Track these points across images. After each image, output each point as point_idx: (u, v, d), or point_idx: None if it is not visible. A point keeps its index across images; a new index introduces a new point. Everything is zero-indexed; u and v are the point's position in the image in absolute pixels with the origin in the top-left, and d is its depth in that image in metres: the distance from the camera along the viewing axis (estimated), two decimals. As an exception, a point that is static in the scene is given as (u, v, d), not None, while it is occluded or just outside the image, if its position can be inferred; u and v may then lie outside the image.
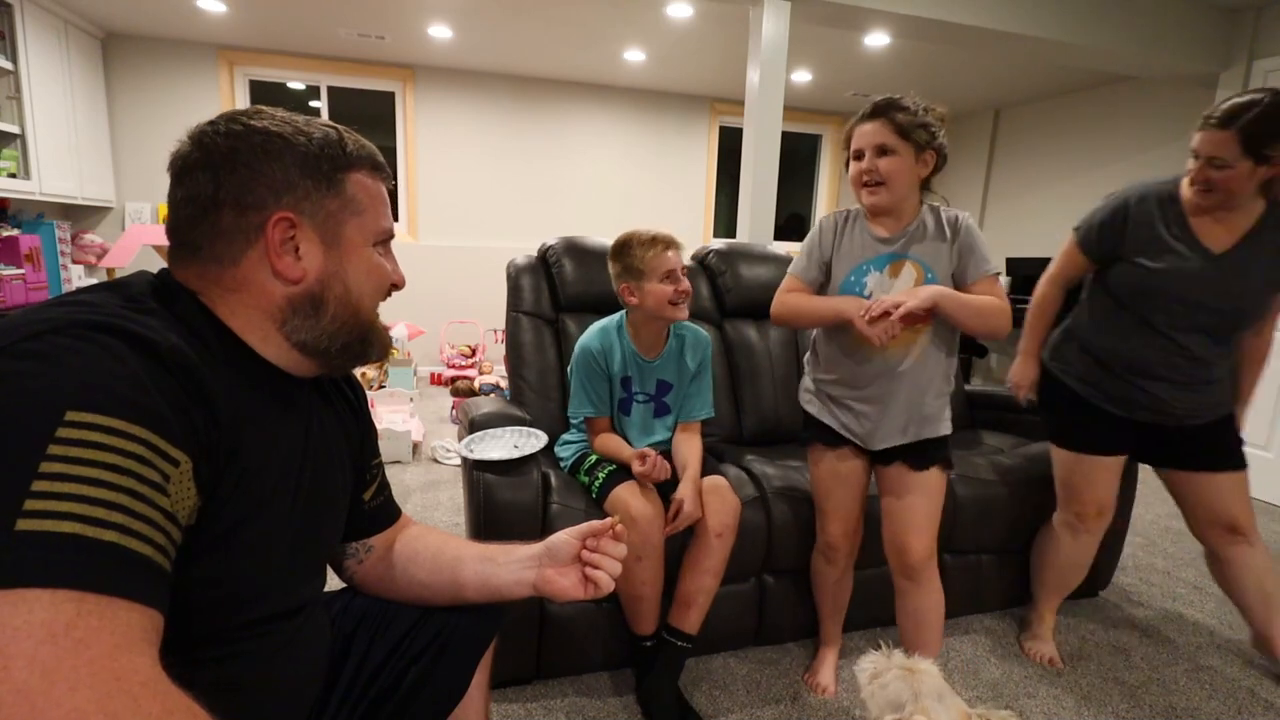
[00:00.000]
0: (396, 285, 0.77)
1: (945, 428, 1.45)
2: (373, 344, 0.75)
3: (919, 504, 1.44)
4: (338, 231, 0.69)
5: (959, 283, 1.39)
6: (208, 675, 0.62)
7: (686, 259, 2.21)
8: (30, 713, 0.40)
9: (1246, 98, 1.47)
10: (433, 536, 0.94)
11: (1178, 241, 1.53)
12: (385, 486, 0.93)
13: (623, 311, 1.69)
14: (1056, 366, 1.74)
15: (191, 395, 0.56)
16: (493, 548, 0.91)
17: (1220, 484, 1.70)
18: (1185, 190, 1.58)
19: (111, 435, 0.48)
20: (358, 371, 4.12)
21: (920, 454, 1.43)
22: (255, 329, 0.67)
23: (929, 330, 1.40)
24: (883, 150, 1.35)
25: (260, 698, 0.68)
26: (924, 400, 1.43)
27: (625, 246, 1.61)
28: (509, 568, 0.88)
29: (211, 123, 0.66)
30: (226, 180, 0.64)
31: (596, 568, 0.85)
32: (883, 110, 1.36)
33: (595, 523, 0.87)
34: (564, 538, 0.87)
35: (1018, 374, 1.81)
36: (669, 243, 1.59)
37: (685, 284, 1.59)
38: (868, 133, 1.36)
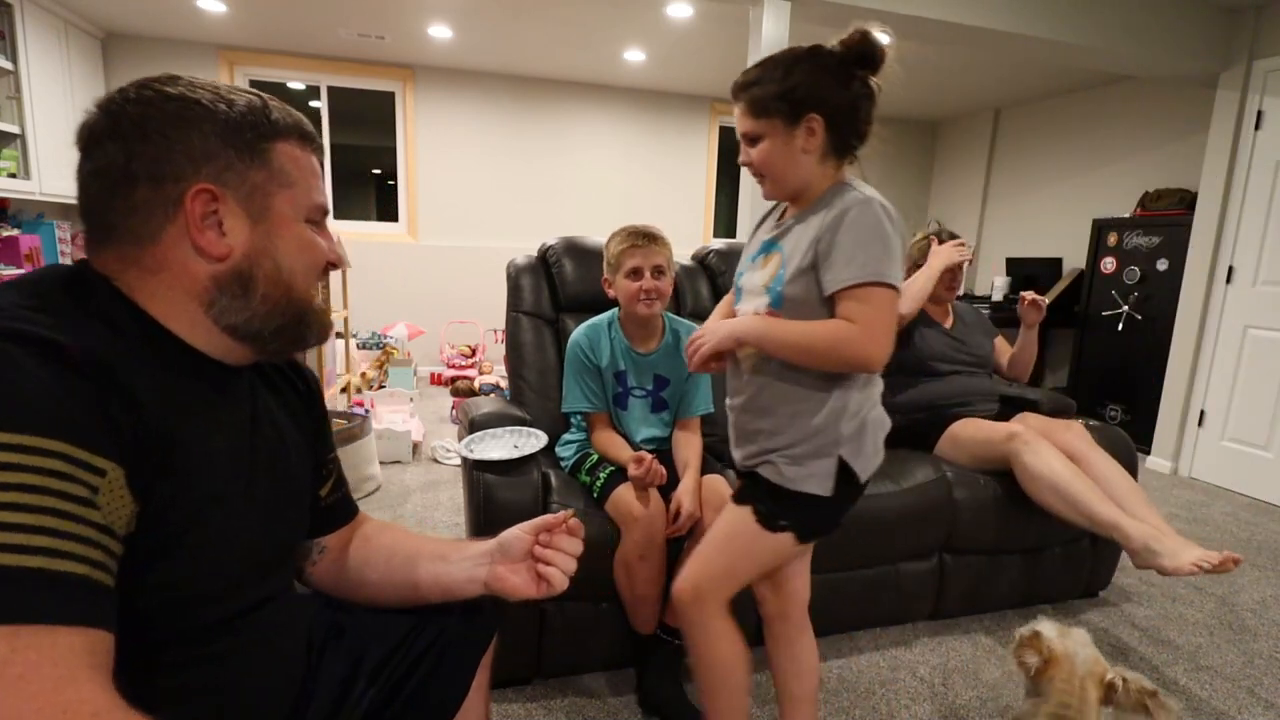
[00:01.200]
0: (333, 265, 0.71)
1: (793, 481, 1.08)
2: (310, 326, 0.70)
3: (709, 536, 1.20)
4: (265, 205, 0.64)
5: (823, 293, 1.07)
6: (176, 681, 0.60)
7: (686, 259, 2.21)
8: None
9: None
10: (386, 536, 0.90)
11: None
12: (342, 483, 0.90)
13: (617, 308, 1.71)
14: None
15: (112, 398, 0.51)
16: (447, 545, 0.87)
17: None
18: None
19: (24, 454, 0.45)
20: (357, 370, 4.12)
21: (748, 488, 1.16)
22: (180, 314, 0.62)
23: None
24: (751, 138, 1.13)
25: (234, 696, 0.66)
26: (758, 427, 1.14)
27: (609, 239, 1.66)
28: (461, 565, 0.84)
29: (121, 90, 0.61)
30: (140, 150, 0.59)
31: (549, 564, 0.80)
32: (736, 93, 1.13)
33: (549, 516, 0.83)
34: (516, 533, 0.83)
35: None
36: (645, 238, 1.59)
37: (651, 282, 1.58)
38: (736, 122, 1.15)
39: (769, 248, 1.17)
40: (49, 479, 0.46)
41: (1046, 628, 1.20)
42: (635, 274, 1.58)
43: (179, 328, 0.62)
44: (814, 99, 1.07)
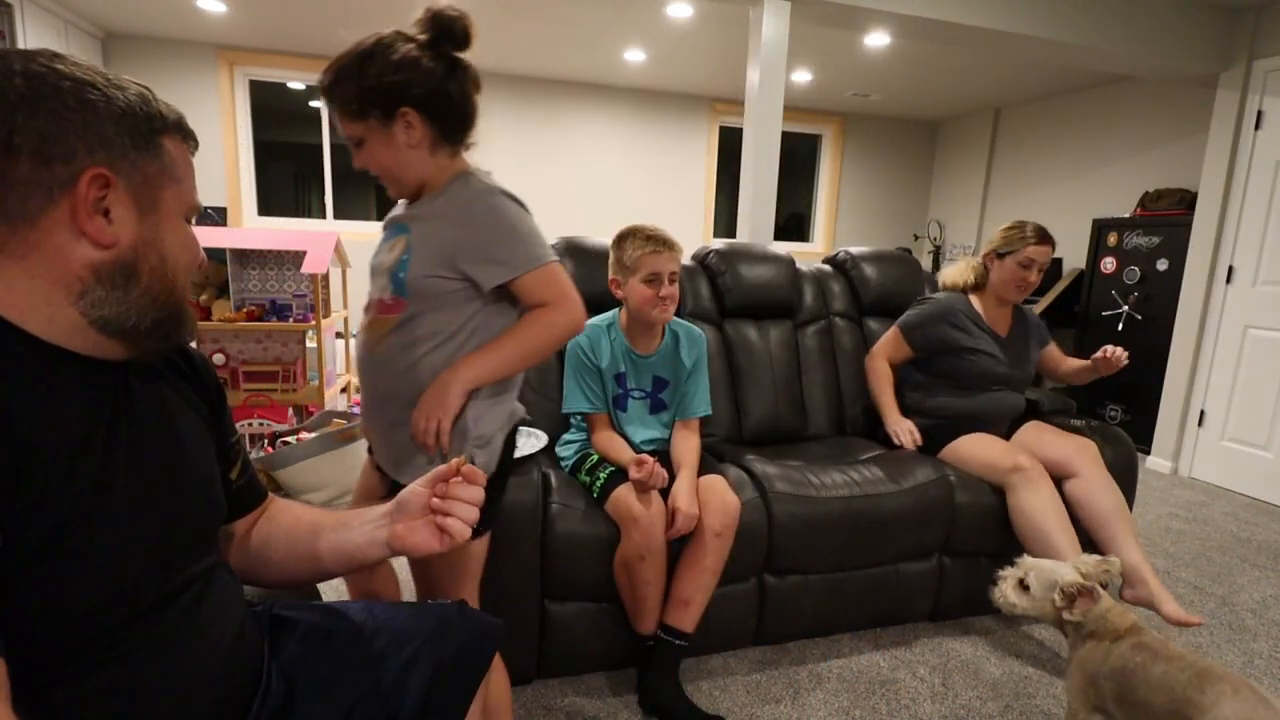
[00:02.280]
0: (201, 265, 0.71)
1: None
2: (184, 323, 0.68)
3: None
4: (155, 197, 0.63)
5: (483, 288, 1.09)
6: (100, 679, 0.59)
7: (686, 259, 2.21)
8: None
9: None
10: (289, 514, 0.88)
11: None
12: (248, 466, 0.86)
13: (617, 308, 1.70)
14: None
15: None
16: (347, 514, 0.85)
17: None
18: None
19: None
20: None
21: None
22: (39, 306, 0.58)
23: (401, 327, 1.09)
24: (355, 142, 1.09)
25: (167, 685, 0.64)
26: (400, 430, 1.09)
27: (623, 239, 1.62)
28: (361, 530, 0.82)
29: (3, 58, 0.56)
30: (25, 125, 0.55)
31: (448, 514, 0.76)
32: (325, 99, 1.09)
33: (441, 467, 0.79)
34: (412, 488, 0.79)
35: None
36: (664, 244, 1.58)
37: (669, 290, 1.57)
38: (339, 127, 1.11)
39: (398, 230, 1.14)
40: None
41: (1054, 569, 1.32)
42: (653, 280, 1.57)
43: (33, 322, 0.58)
44: (397, 92, 1.03)
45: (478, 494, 0.78)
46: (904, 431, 2.06)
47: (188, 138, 0.68)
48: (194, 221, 0.70)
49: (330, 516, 0.86)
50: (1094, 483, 1.85)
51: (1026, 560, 1.37)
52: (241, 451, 0.85)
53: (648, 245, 1.57)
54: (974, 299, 2.13)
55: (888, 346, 2.19)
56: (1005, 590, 1.36)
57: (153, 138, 0.63)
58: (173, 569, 0.67)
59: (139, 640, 0.62)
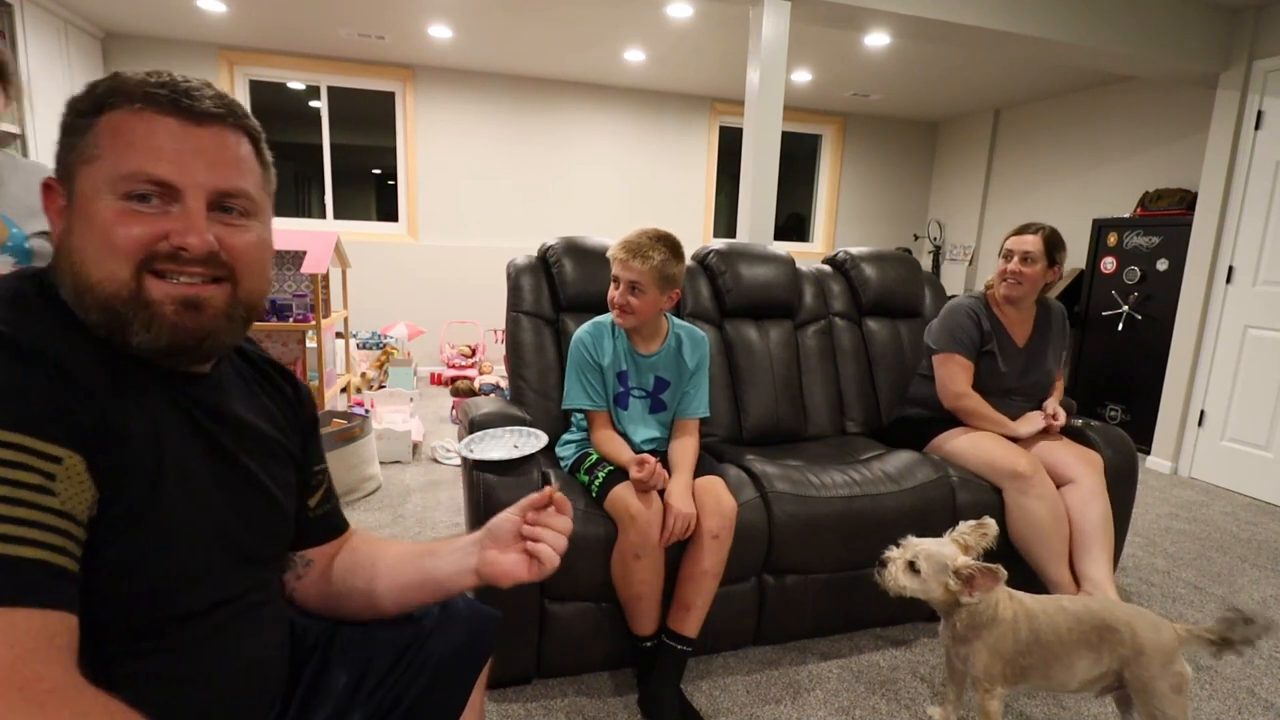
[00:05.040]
0: (178, 246, 0.60)
1: None
2: (130, 324, 0.59)
3: None
4: (72, 186, 0.60)
5: None
6: (137, 667, 0.60)
7: (687, 259, 2.21)
8: None
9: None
10: (373, 544, 0.88)
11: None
12: (332, 497, 0.88)
13: None
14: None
15: (65, 389, 0.53)
16: (435, 542, 0.86)
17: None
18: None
19: None
20: (357, 370, 4.12)
21: None
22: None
23: None
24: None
25: (195, 692, 0.65)
26: None
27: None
28: (450, 558, 0.82)
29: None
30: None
31: (538, 541, 0.78)
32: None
33: (533, 495, 0.81)
34: (504, 515, 0.82)
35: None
36: (630, 253, 1.58)
37: (623, 298, 1.60)
38: None
39: None
40: (3, 469, 0.47)
41: (940, 551, 1.30)
42: (614, 282, 1.63)
43: None
44: None
45: (568, 524, 0.81)
46: (1033, 420, 2.01)
47: (151, 102, 0.60)
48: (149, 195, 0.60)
49: (413, 546, 0.87)
50: (1087, 493, 1.85)
51: (912, 540, 1.33)
52: (325, 482, 0.86)
53: (618, 250, 1.61)
54: (995, 309, 2.11)
55: (956, 375, 2.05)
56: (895, 573, 1.30)
57: (79, 123, 0.60)
58: (231, 577, 0.69)
59: (187, 636, 0.64)
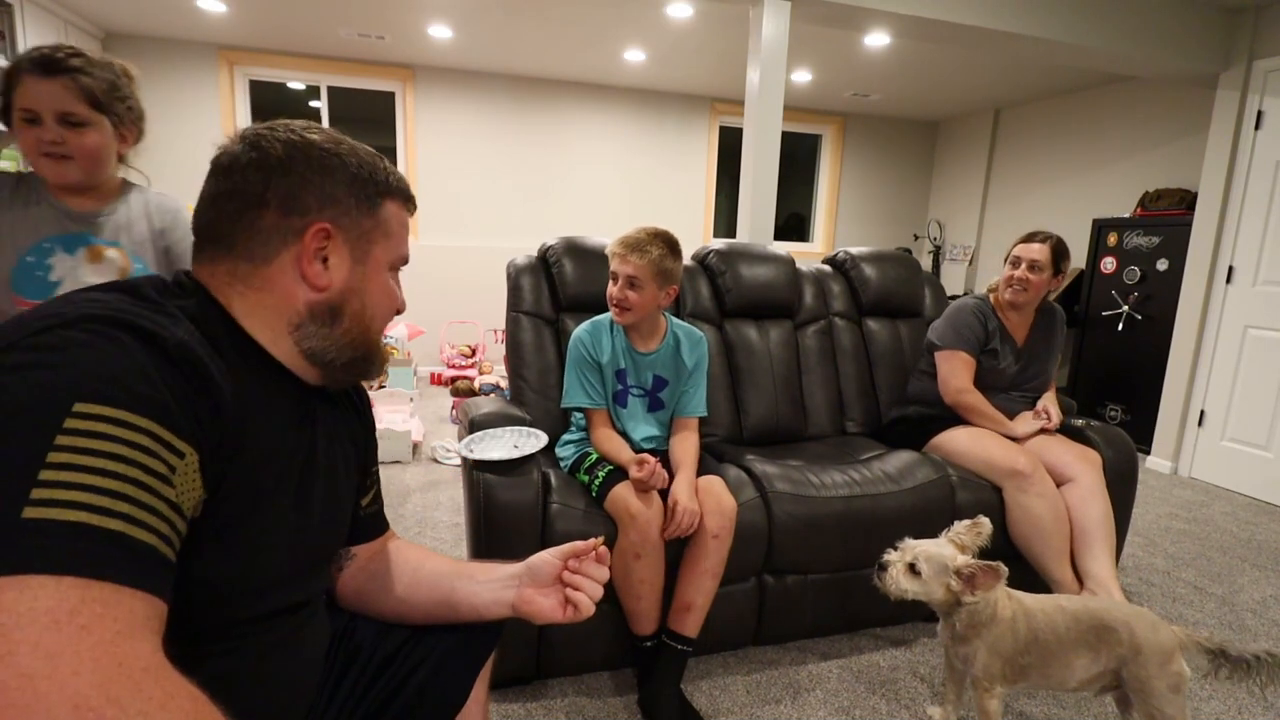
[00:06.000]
0: (399, 310, 0.80)
1: None
2: (374, 362, 0.77)
3: None
4: (367, 250, 0.73)
5: None
6: (207, 668, 0.61)
7: (686, 259, 2.21)
8: (33, 696, 0.40)
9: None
10: (413, 552, 0.92)
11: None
12: (380, 496, 0.93)
13: None
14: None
15: (198, 389, 0.57)
16: (473, 565, 0.89)
17: None
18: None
19: (118, 426, 0.49)
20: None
21: None
22: (268, 329, 0.69)
23: None
24: (71, 120, 1.13)
25: (258, 693, 0.68)
26: None
27: None
28: (489, 587, 0.86)
29: (269, 127, 0.70)
30: (278, 182, 0.67)
31: (578, 589, 0.83)
32: (61, 67, 1.11)
33: (578, 543, 0.85)
34: (546, 557, 0.86)
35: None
36: (627, 247, 1.60)
37: (615, 291, 1.62)
38: (45, 95, 1.11)
39: (90, 241, 1.21)
40: (137, 452, 0.50)
41: (939, 552, 1.30)
42: (613, 278, 1.64)
43: (264, 339, 0.69)
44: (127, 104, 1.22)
45: (605, 574, 0.85)
46: (1029, 422, 2.03)
47: (408, 202, 0.78)
48: (398, 271, 0.79)
49: (452, 564, 0.90)
50: (1086, 491, 1.86)
51: (910, 542, 1.33)
52: (376, 483, 0.92)
53: (616, 245, 1.62)
54: (999, 311, 2.14)
55: (959, 371, 2.08)
56: (896, 576, 1.30)
57: (375, 199, 0.72)
58: (306, 582, 0.75)
59: (252, 640, 0.68)
